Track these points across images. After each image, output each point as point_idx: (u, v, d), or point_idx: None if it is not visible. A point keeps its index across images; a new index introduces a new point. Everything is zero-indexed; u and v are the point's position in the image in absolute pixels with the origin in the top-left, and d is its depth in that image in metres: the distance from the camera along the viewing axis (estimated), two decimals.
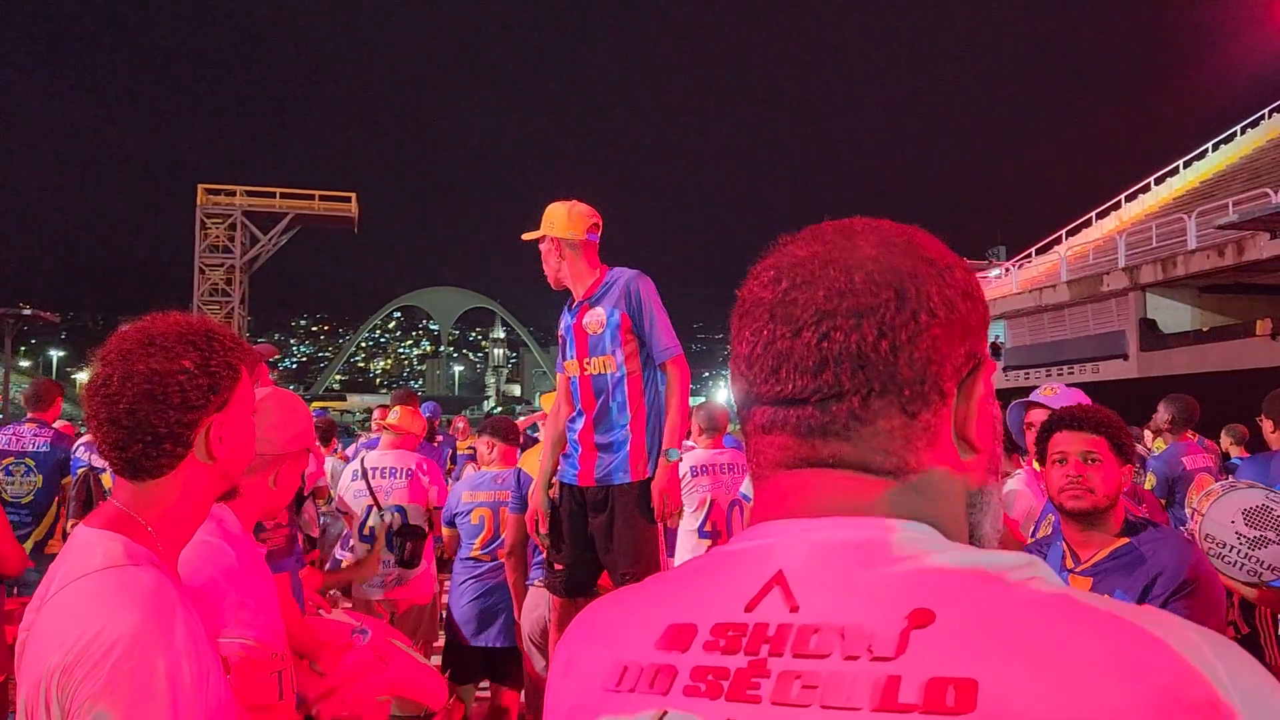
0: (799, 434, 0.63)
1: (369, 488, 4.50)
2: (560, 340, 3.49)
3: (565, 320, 3.41)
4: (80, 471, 4.97)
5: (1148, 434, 6.55)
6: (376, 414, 6.93)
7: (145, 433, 1.19)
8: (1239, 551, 3.05)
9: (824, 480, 0.62)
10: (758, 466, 0.66)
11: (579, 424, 3.34)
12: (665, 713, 0.58)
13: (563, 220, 3.33)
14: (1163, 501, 5.17)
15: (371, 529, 4.46)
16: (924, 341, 0.61)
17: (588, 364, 3.31)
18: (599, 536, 3.26)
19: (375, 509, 4.47)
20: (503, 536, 4.11)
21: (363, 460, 4.68)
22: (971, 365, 0.64)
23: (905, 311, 0.61)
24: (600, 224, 3.40)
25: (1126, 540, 2.15)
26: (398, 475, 4.63)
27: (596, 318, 3.30)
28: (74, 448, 5.22)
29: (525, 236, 3.41)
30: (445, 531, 4.33)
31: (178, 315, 1.28)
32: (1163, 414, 5.81)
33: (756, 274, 0.68)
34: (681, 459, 3.31)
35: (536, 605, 3.80)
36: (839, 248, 0.64)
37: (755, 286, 0.66)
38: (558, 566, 3.35)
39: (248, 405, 1.32)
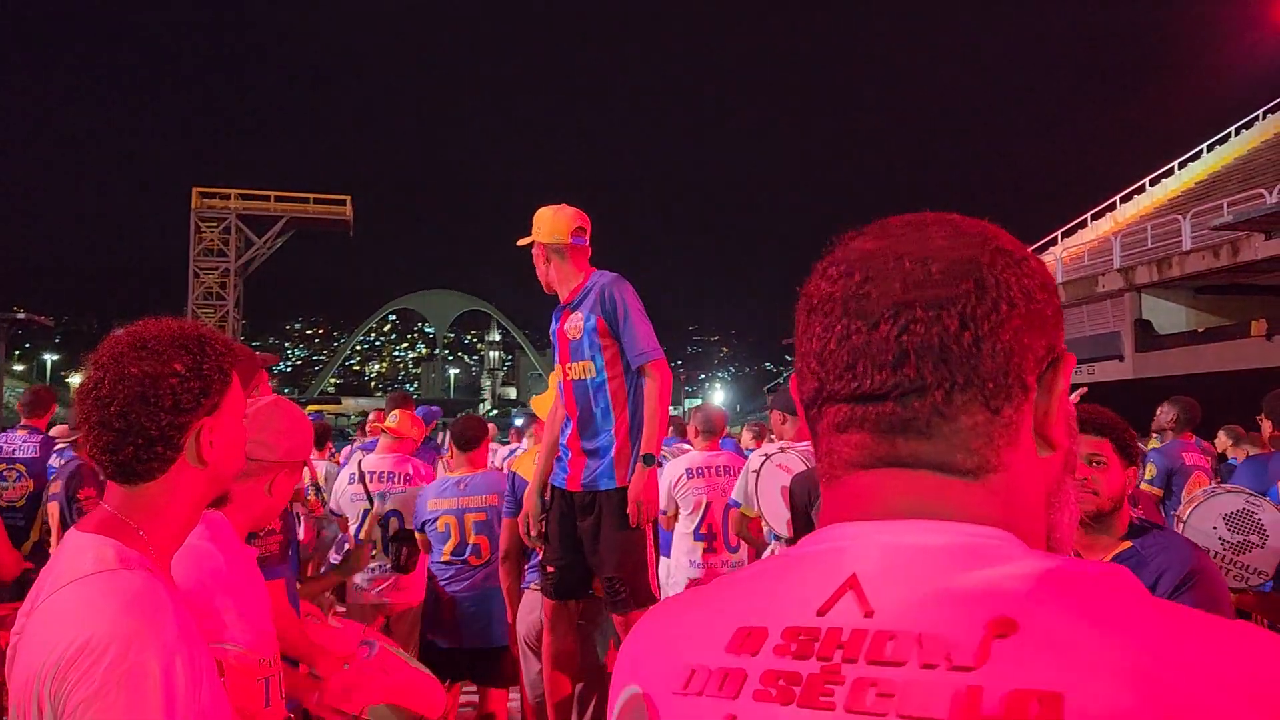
0: (878, 431, 0.61)
1: (366, 491, 4.49)
2: (551, 344, 3.52)
3: (552, 324, 3.44)
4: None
5: (1154, 437, 6.59)
6: (372, 416, 6.93)
7: (136, 435, 1.19)
8: (1223, 558, 3.05)
9: (900, 481, 0.60)
10: (830, 466, 0.64)
11: (568, 429, 3.36)
12: (734, 718, 0.57)
13: (548, 225, 3.34)
14: (1159, 492, 5.26)
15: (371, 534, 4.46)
16: (1006, 332, 0.59)
17: (569, 369, 3.33)
18: (587, 540, 3.27)
19: (371, 513, 4.47)
20: (471, 542, 4.09)
21: (359, 464, 4.67)
22: (1051, 359, 0.62)
23: (986, 301, 0.59)
24: (587, 227, 3.40)
25: (1130, 544, 2.13)
26: (395, 479, 4.62)
27: (575, 323, 3.31)
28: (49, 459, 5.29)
29: (519, 242, 3.43)
30: (416, 536, 4.31)
31: (170, 320, 1.29)
32: (1166, 414, 5.84)
33: (823, 269, 0.65)
34: (663, 464, 3.32)
35: (532, 609, 3.79)
36: (910, 240, 0.62)
37: (824, 282, 0.64)
38: (549, 569, 3.37)
39: (239, 410, 1.32)
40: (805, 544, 0.63)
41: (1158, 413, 5.95)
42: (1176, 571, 2.02)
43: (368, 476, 4.55)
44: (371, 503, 4.47)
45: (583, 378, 3.28)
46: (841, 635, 0.55)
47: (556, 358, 3.40)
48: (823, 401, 0.63)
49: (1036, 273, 0.62)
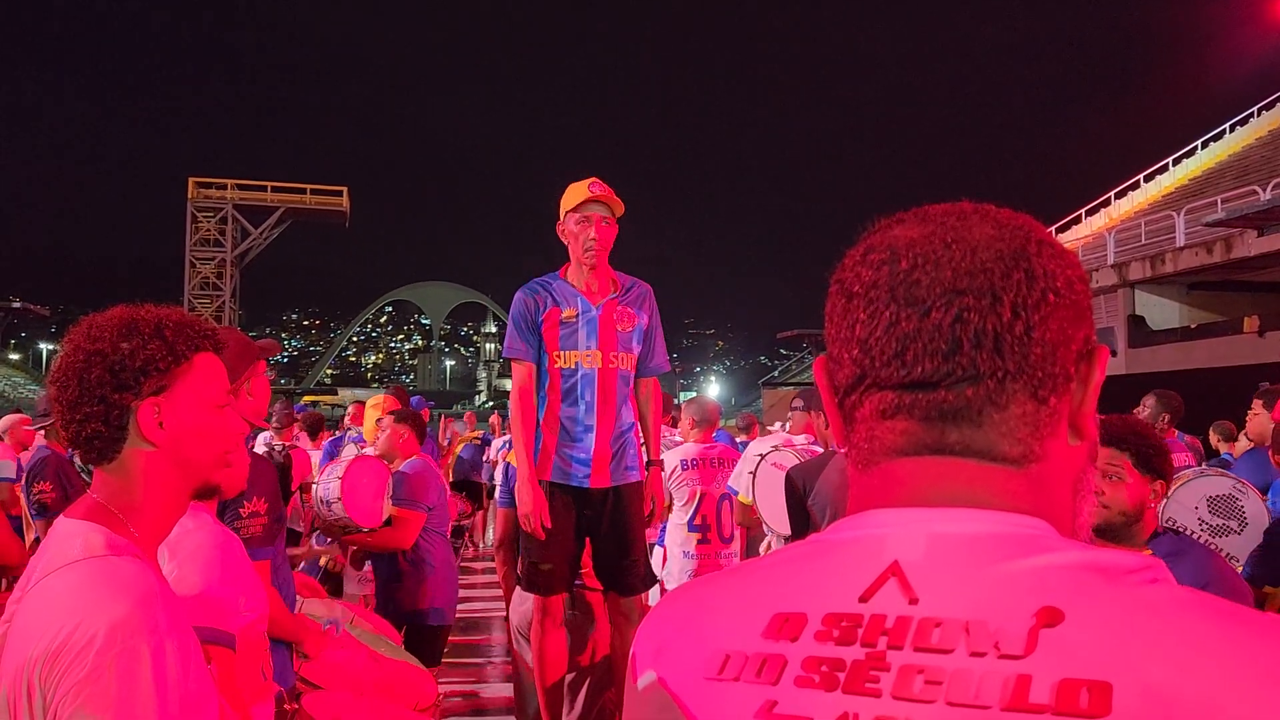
0: (926, 419, 0.60)
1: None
2: (575, 327, 3.38)
3: (589, 310, 3.30)
4: None
5: None
6: (352, 410, 6.91)
7: (78, 412, 1.22)
8: (1198, 538, 3.06)
9: (944, 469, 0.60)
10: (869, 453, 0.63)
11: (588, 418, 3.35)
12: (775, 704, 0.56)
13: (617, 200, 3.29)
14: None
15: None
16: (1054, 322, 0.59)
17: (615, 358, 3.33)
18: (605, 529, 3.36)
19: None
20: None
21: None
22: (1088, 349, 0.62)
23: (1036, 291, 0.59)
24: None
25: (1148, 552, 2.04)
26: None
27: (627, 314, 3.37)
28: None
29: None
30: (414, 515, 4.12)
31: (137, 307, 1.31)
32: (1145, 409, 5.81)
33: (862, 255, 0.64)
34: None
35: (525, 598, 3.80)
36: (955, 228, 0.62)
37: (864, 269, 0.63)
38: (543, 566, 3.31)
39: (208, 396, 1.31)
40: (840, 529, 0.63)
41: (1139, 407, 5.92)
42: (1191, 583, 1.96)
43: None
44: None
45: (626, 370, 3.33)
46: (886, 622, 0.55)
47: (594, 343, 3.26)
48: (866, 388, 0.63)
49: (1075, 264, 0.63)
